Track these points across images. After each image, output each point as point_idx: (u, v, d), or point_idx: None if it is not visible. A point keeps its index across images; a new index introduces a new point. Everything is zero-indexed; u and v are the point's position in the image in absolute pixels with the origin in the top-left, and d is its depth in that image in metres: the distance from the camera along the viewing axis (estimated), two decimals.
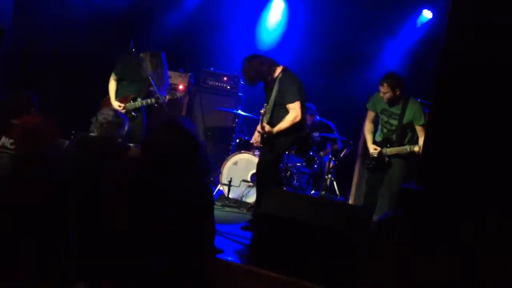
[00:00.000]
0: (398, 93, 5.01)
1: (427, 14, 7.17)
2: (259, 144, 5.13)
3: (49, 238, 2.61)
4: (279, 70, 5.01)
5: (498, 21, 3.15)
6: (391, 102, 5.08)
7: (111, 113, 4.47)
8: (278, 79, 4.98)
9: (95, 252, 2.66)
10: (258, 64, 4.96)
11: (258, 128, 5.25)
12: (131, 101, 5.74)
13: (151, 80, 5.61)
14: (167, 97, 5.78)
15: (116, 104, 5.72)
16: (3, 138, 3.78)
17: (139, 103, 5.72)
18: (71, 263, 2.61)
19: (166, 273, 2.75)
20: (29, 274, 2.53)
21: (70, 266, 2.60)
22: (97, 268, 2.64)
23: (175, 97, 5.97)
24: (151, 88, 5.71)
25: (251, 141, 5.45)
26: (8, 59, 5.96)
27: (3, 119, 3.92)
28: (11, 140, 3.76)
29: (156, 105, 5.76)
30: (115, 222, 2.72)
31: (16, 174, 2.78)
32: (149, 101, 5.72)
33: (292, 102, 4.87)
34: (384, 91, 5.03)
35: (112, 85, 5.81)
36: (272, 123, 4.94)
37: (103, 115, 4.38)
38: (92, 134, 4.37)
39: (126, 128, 4.53)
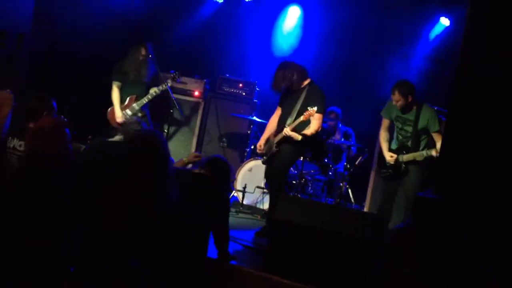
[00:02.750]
0: (410, 99, 5.03)
1: (444, 21, 7.13)
2: (273, 148, 5.13)
3: (50, 237, 2.63)
4: (307, 81, 5.09)
5: None
6: (404, 109, 5.09)
7: (134, 122, 4.54)
8: (306, 89, 5.04)
9: (91, 251, 2.69)
10: (292, 74, 5.04)
11: (266, 134, 5.26)
12: (136, 101, 5.90)
13: (148, 71, 5.88)
14: (168, 82, 5.94)
15: (120, 113, 5.86)
16: (15, 140, 3.84)
17: (145, 100, 5.87)
18: (64, 262, 2.63)
19: (143, 273, 2.76)
20: (29, 274, 2.55)
21: (62, 265, 2.62)
22: (105, 271, 2.66)
23: (175, 79, 6.11)
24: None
25: (257, 147, 5.43)
26: (28, 64, 6.05)
27: (19, 122, 3.97)
28: (20, 142, 3.81)
29: (159, 93, 5.91)
30: (122, 222, 2.74)
31: (23, 173, 2.81)
32: (153, 93, 5.85)
33: (319, 113, 4.94)
34: (396, 99, 5.05)
35: (116, 94, 5.94)
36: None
37: (127, 123, 4.44)
38: (112, 139, 4.42)
39: None
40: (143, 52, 5.89)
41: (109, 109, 5.99)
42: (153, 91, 5.88)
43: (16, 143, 3.84)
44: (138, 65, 5.90)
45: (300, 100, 5.02)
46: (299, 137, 4.93)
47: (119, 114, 5.86)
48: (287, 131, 4.94)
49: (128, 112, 5.87)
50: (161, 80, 5.98)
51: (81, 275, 2.67)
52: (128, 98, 5.92)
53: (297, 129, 4.97)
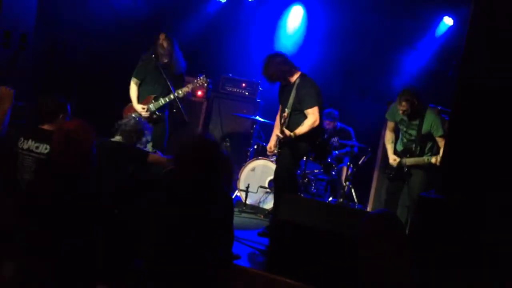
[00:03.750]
0: (416, 105, 4.95)
1: (448, 21, 7.11)
2: (275, 151, 5.12)
3: (71, 239, 2.63)
4: (296, 75, 5.01)
5: None
6: (411, 115, 5.03)
7: (132, 121, 4.51)
8: (295, 84, 4.97)
9: (114, 253, 2.69)
10: (280, 63, 4.95)
11: (274, 134, 5.24)
12: (153, 101, 5.65)
13: (166, 80, 5.58)
14: (187, 88, 5.65)
15: (139, 107, 5.63)
16: (30, 142, 3.84)
17: (162, 101, 5.62)
18: (92, 264, 2.63)
19: (146, 272, 2.76)
20: (50, 274, 2.56)
21: (90, 268, 2.62)
22: (116, 270, 2.67)
23: (196, 86, 5.79)
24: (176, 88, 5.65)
25: (267, 147, 5.43)
26: (31, 63, 6.06)
27: (31, 124, 3.98)
28: (36, 144, 3.81)
29: (177, 99, 5.62)
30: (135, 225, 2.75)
31: (45, 174, 2.81)
32: (171, 96, 5.60)
33: (311, 107, 4.87)
34: (404, 109, 4.97)
35: (134, 89, 5.73)
36: (289, 129, 4.92)
37: (124, 123, 4.46)
38: (113, 139, 4.44)
39: (147, 136, 4.57)
40: (164, 44, 5.64)
41: (127, 105, 5.78)
42: (173, 95, 5.59)
43: (32, 145, 3.82)
44: (159, 58, 5.64)
45: (291, 97, 4.96)
46: (292, 136, 4.84)
47: (138, 108, 5.62)
48: (278, 134, 4.92)
49: (151, 107, 5.62)
50: (184, 82, 5.74)
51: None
52: (145, 97, 5.69)
53: (293, 128, 4.90)
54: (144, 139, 4.58)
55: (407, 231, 5.26)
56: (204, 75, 5.80)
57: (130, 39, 6.54)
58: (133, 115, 5.65)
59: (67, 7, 6.49)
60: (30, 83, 6.02)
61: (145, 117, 5.49)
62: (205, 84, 5.90)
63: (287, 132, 4.84)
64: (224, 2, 7.82)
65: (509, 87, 3.11)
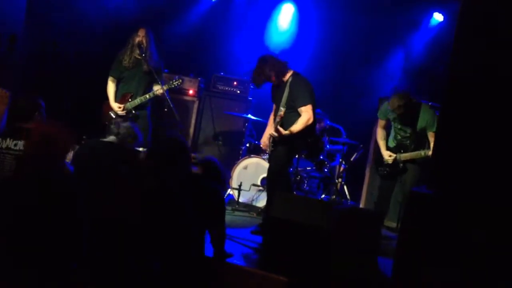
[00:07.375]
0: (409, 106, 4.93)
1: (438, 17, 7.14)
2: (269, 148, 5.12)
3: (59, 239, 2.62)
4: (289, 74, 5.02)
5: (509, 24, 3.12)
6: (405, 114, 5.00)
7: (127, 130, 4.49)
8: (288, 83, 4.98)
9: (102, 253, 2.68)
10: (276, 63, 4.97)
11: (267, 131, 5.24)
12: (130, 100, 5.65)
13: (151, 70, 5.54)
14: (165, 87, 5.59)
15: (115, 106, 5.64)
16: (8, 140, 3.83)
17: (138, 100, 5.61)
18: (82, 265, 2.62)
19: (164, 274, 2.76)
20: (39, 276, 2.54)
21: (80, 269, 2.61)
22: (104, 270, 2.66)
23: (172, 86, 5.74)
24: (153, 85, 5.65)
25: (260, 145, 5.44)
26: (21, 66, 6.02)
27: (11, 122, 3.96)
28: (14, 142, 3.79)
29: (156, 96, 5.61)
30: (123, 223, 2.74)
31: (21, 174, 2.78)
32: (147, 96, 5.61)
33: (305, 105, 4.88)
34: (400, 112, 4.93)
35: (111, 87, 5.72)
36: (283, 127, 4.92)
37: (118, 127, 4.42)
38: (105, 139, 4.42)
39: (138, 139, 4.57)
40: (144, 40, 5.60)
41: (105, 102, 5.78)
42: (150, 94, 5.58)
43: (10, 143, 3.81)
44: (133, 53, 5.62)
45: (284, 96, 4.96)
46: (287, 134, 4.85)
47: (115, 107, 5.62)
48: (272, 133, 4.93)
49: (128, 105, 5.61)
50: (164, 78, 5.70)
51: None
52: (122, 95, 5.70)
53: (286, 126, 4.90)
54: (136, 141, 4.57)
55: (398, 226, 5.30)
56: (179, 77, 5.79)
57: (121, 40, 6.49)
58: (113, 114, 5.64)
59: (57, 8, 6.45)
60: (20, 85, 5.98)
61: (121, 116, 5.51)
62: (180, 86, 5.90)
63: (282, 130, 4.84)
64: (215, 1, 7.81)
65: (499, 82, 3.12)
